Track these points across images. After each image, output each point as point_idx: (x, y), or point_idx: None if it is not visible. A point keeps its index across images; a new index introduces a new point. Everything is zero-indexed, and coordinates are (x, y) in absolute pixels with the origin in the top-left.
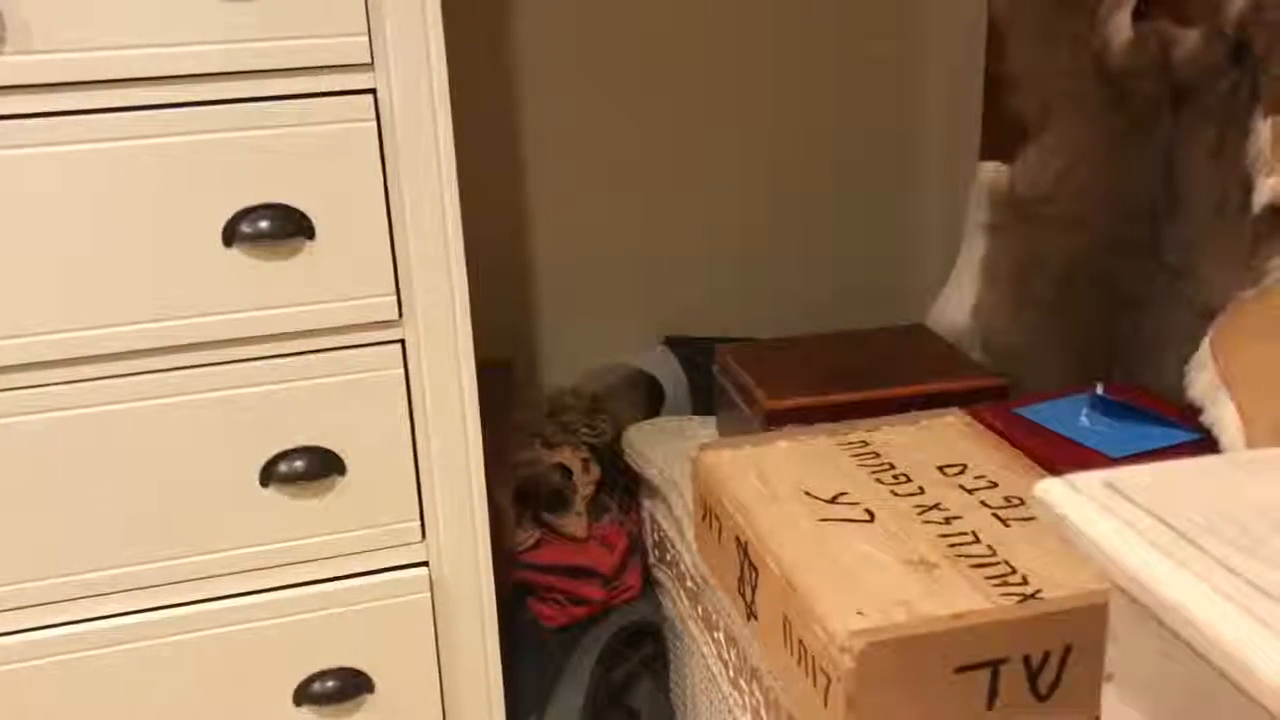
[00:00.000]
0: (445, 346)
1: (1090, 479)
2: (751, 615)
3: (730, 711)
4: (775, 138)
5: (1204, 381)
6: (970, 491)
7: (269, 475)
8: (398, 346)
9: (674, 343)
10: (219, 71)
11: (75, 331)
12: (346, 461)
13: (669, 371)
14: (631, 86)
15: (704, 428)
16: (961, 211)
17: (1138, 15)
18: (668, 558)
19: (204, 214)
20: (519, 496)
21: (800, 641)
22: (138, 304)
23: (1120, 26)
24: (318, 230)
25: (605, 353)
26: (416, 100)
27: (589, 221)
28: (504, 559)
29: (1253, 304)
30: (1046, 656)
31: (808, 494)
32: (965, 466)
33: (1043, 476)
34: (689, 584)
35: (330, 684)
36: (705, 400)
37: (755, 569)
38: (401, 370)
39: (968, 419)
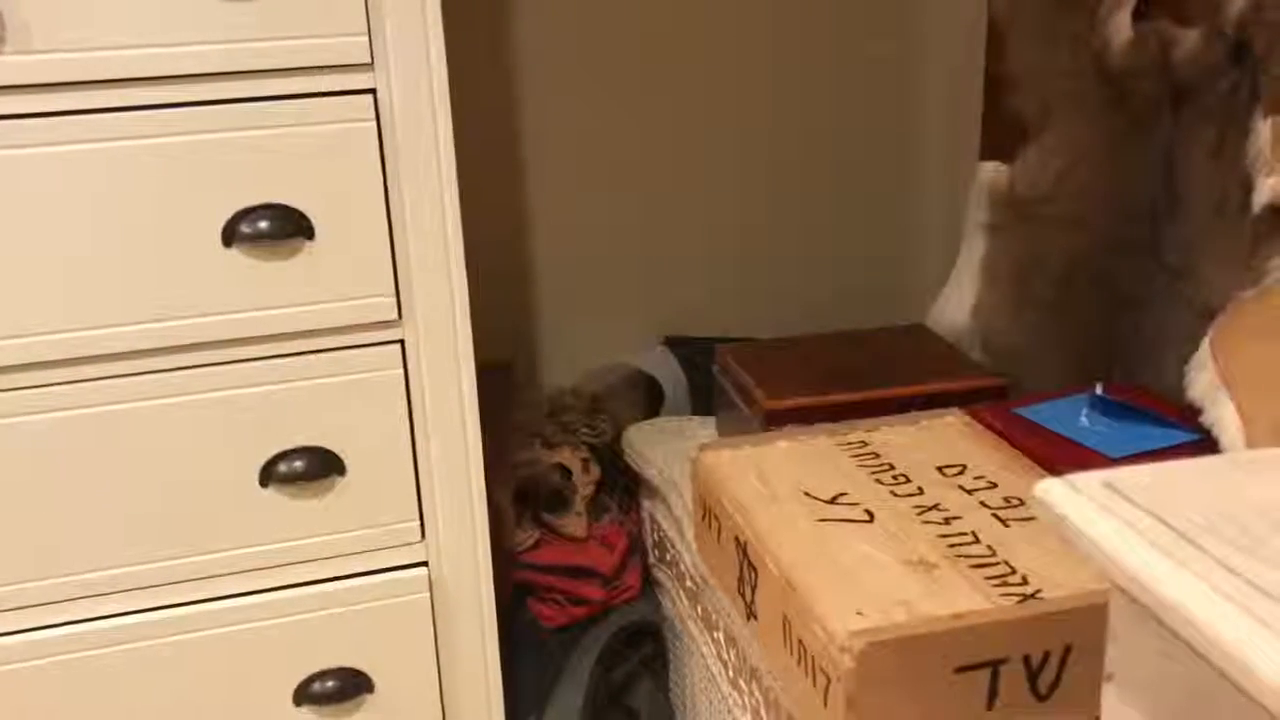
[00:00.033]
0: (445, 347)
1: (1090, 479)
2: (751, 615)
3: (730, 711)
4: (775, 138)
5: (1204, 381)
6: (970, 492)
7: (269, 475)
8: (397, 347)
9: (674, 343)
10: (219, 71)
11: (76, 331)
12: (346, 462)
13: (669, 371)
14: (631, 86)
15: (704, 428)
16: (961, 211)
17: (1138, 15)
18: (667, 558)
19: (204, 214)
20: (519, 497)
21: (800, 641)
22: (138, 304)
23: (1120, 26)
24: (317, 230)
25: (605, 353)
26: (416, 100)
27: (589, 221)
28: (504, 559)
29: (1253, 304)
30: (1046, 656)
31: (807, 494)
32: (965, 467)
33: (1042, 477)
34: (689, 584)
35: (330, 684)
36: (705, 400)
37: (755, 569)
38: (401, 370)
39: (967, 419)
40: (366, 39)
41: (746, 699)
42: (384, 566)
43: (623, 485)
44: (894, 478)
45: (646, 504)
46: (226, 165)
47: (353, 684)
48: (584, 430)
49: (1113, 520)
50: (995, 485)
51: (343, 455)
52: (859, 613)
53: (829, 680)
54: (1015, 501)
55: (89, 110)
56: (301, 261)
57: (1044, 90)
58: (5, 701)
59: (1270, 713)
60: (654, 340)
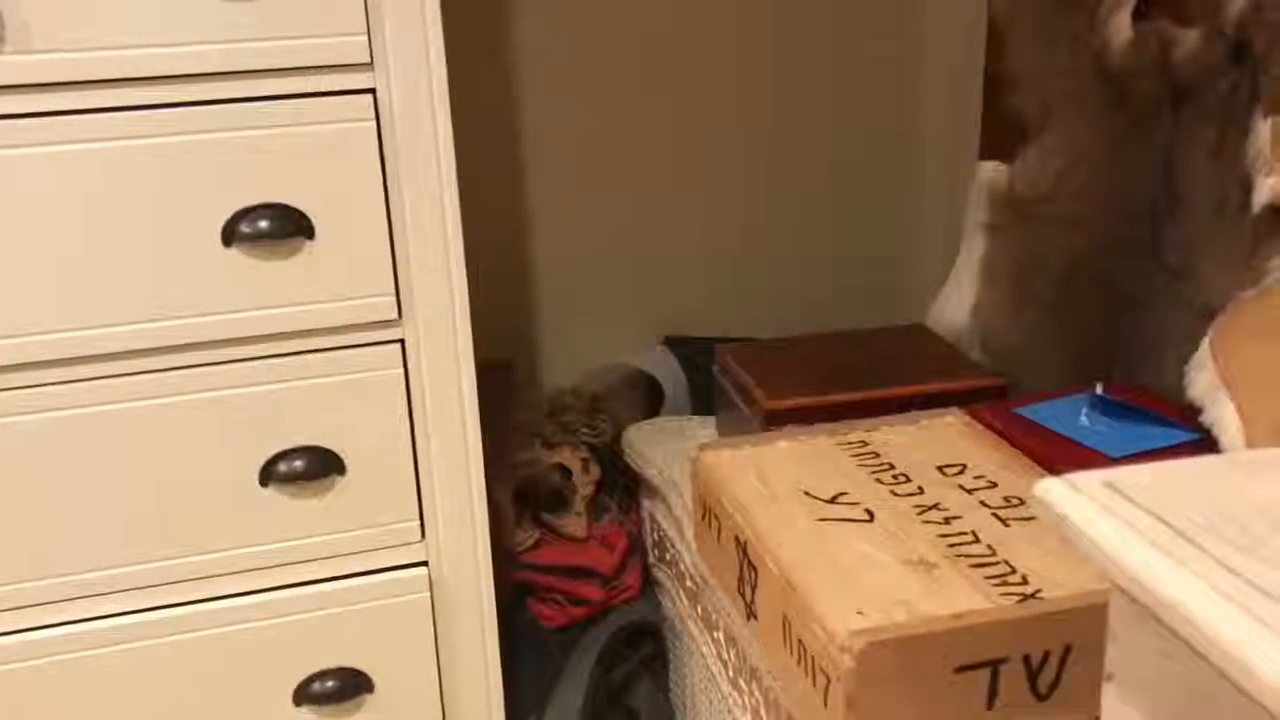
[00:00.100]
0: (445, 346)
1: (1090, 479)
2: (751, 615)
3: (730, 711)
4: (775, 138)
5: (1204, 381)
6: (970, 491)
7: (268, 475)
8: (397, 346)
9: (674, 343)
10: (219, 71)
11: (71, 331)
12: (346, 461)
13: (669, 371)
14: (631, 86)
15: (704, 428)
16: (961, 211)
17: (1138, 15)
18: (667, 557)
19: (203, 214)
20: (519, 496)
21: (800, 641)
22: (135, 304)
23: (1120, 26)
24: (317, 230)
25: (605, 353)
26: (416, 100)
27: (589, 221)
28: (504, 559)
29: (1253, 304)
30: (1046, 656)
31: (807, 494)
32: (965, 466)
33: (1042, 476)
34: (688, 584)
35: (330, 684)
36: (705, 400)
37: (755, 569)
38: (401, 370)
39: (967, 419)
40: (366, 39)
41: (746, 699)
42: (384, 566)
43: (623, 485)
44: (894, 477)
45: (646, 504)
46: (226, 165)
47: (352, 684)
48: (584, 430)
49: (1113, 520)
50: (995, 485)
51: (343, 455)
52: (859, 612)
53: (829, 680)
54: (1015, 501)
55: (87, 110)
56: (301, 261)
57: (1044, 90)
58: (3, 702)
59: (1270, 712)
60: (654, 340)
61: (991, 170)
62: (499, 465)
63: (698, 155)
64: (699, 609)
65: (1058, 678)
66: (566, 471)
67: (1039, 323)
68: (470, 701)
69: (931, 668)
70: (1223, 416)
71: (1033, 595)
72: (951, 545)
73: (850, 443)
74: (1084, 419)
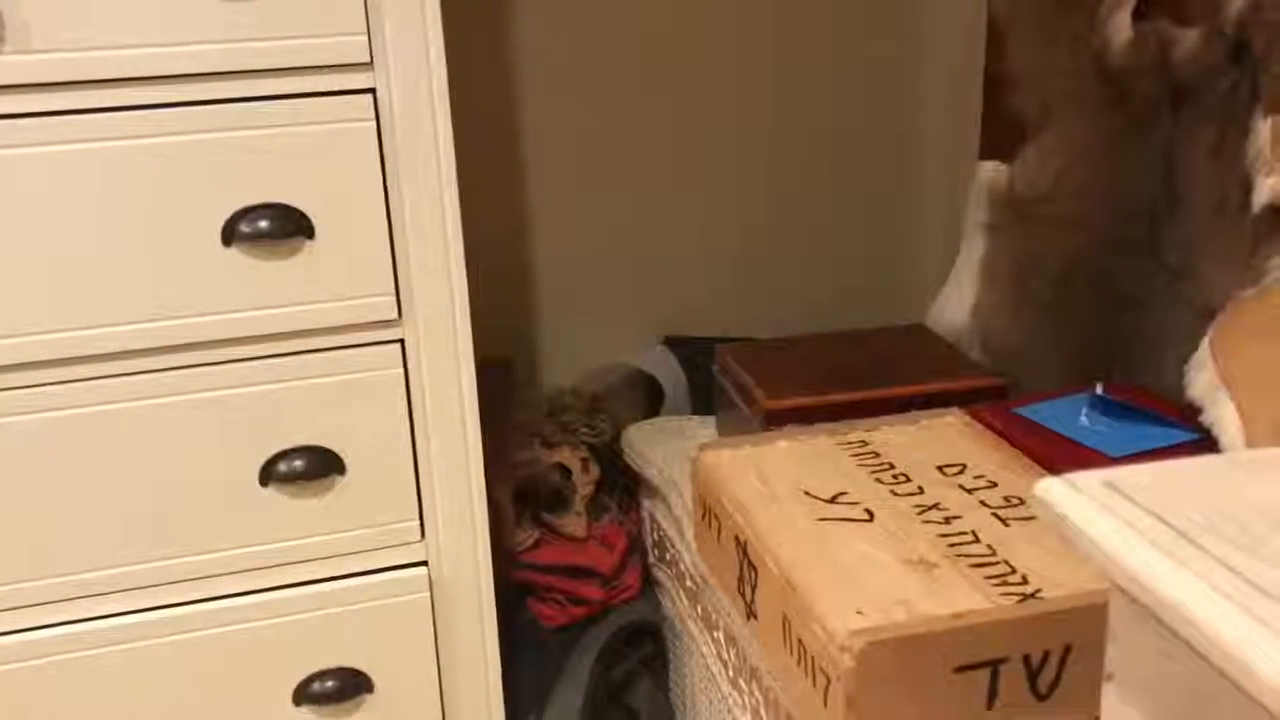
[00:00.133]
0: (445, 346)
1: (1090, 478)
2: (751, 615)
3: (730, 711)
4: (775, 138)
5: (1204, 381)
6: (970, 491)
7: (269, 475)
8: (397, 346)
9: (674, 343)
10: (218, 71)
11: (70, 331)
12: (346, 461)
13: (669, 371)
14: (631, 86)
15: (703, 428)
16: (961, 211)
17: (1138, 15)
18: (667, 557)
19: (202, 214)
20: (518, 496)
21: (800, 641)
22: (135, 304)
23: (1120, 26)
24: (317, 230)
25: (605, 353)
26: (416, 100)
27: (589, 221)
28: (503, 559)
29: (1253, 304)
30: (1046, 656)
31: (807, 494)
32: (965, 466)
33: (1042, 476)
34: (688, 583)
35: (330, 684)
36: (705, 400)
37: (754, 568)
38: (401, 370)
39: (967, 419)
40: (366, 38)
41: (746, 699)
42: (384, 566)
43: (622, 485)
44: (894, 477)
45: (646, 504)
46: (225, 165)
47: (352, 684)
48: (584, 430)
49: (1113, 519)
50: (995, 484)
51: (343, 455)
52: (859, 612)
53: (829, 680)
54: (1015, 501)
55: (86, 110)
56: (301, 261)
57: (1044, 90)
58: (3, 702)
59: (1270, 712)
60: (654, 340)
61: (991, 170)
62: (499, 465)
63: (698, 155)
64: (699, 609)
65: (1058, 678)
66: (566, 471)
67: (1039, 323)
68: (470, 701)
69: (931, 667)
70: (1223, 416)
71: (1033, 595)
72: (951, 545)
73: (850, 443)
74: (1084, 419)
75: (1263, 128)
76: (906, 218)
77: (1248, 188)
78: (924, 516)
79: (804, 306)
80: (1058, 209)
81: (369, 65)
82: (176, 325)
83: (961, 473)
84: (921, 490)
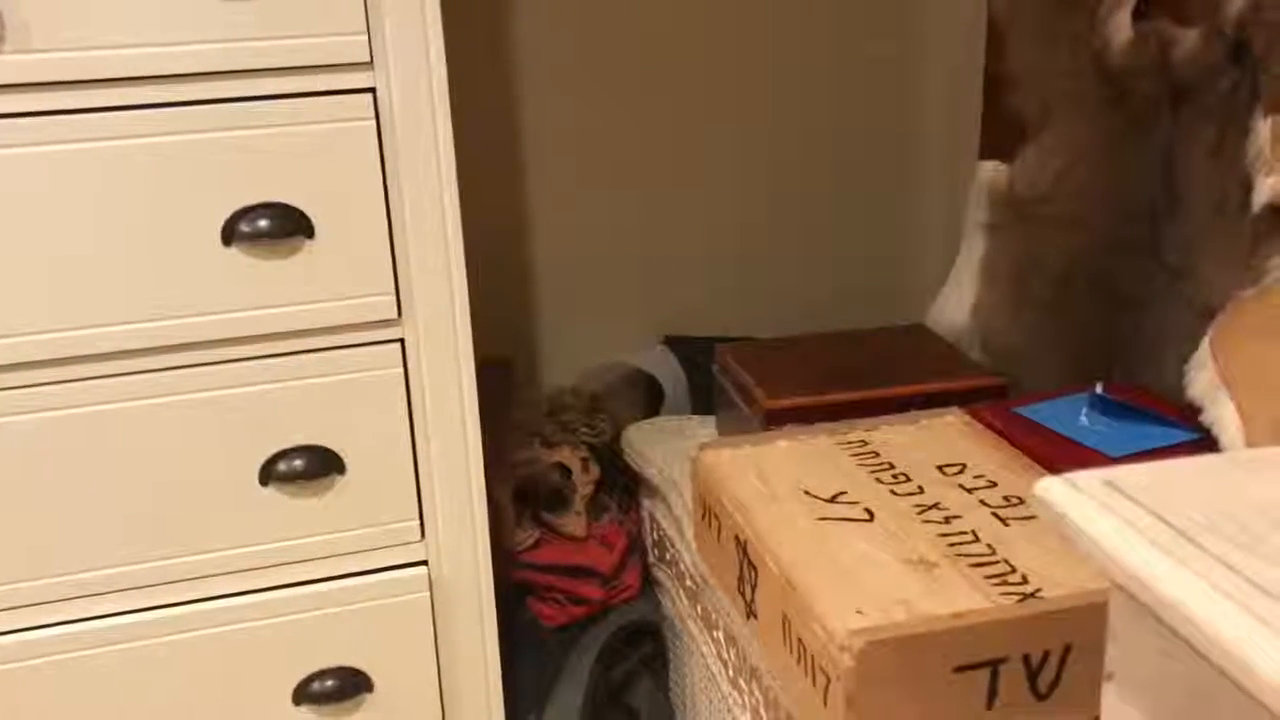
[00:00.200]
0: (445, 346)
1: (1090, 477)
2: (751, 614)
3: (730, 711)
4: (775, 138)
5: (1204, 381)
6: (970, 491)
7: (268, 474)
8: (397, 346)
9: (674, 342)
10: (218, 70)
11: (69, 331)
12: (346, 461)
13: (668, 371)
14: (631, 86)
15: (703, 427)
16: (961, 211)
17: (1138, 15)
18: (667, 557)
19: (202, 213)
20: (518, 496)
21: (799, 640)
22: (135, 303)
23: (1120, 26)
24: (317, 229)
25: (605, 352)
26: (416, 99)
27: (589, 221)
28: (503, 558)
29: (1253, 303)
30: (1046, 656)
31: (807, 493)
32: (964, 466)
33: (1042, 476)
34: (688, 583)
35: (329, 683)
36: (705, 400)
37: (754, 568)
38: (401, 369)
39: (967, 418)
40: (365, 38)
41: (746, 698)
42: (384, 565)
43: (622, 485)
44: (894, 477)
45: (646, 503)
46: (225, 164)
47: (352, 683)
48: (583, 429)
49: (1113, 519)
50: (995, 484)
51: (342, 454)
52: (859, 612)
53: (829, 679)
54: (1015, 500)
55: (85, 110)
56: (301, 260)
57: (1044, 90)
58: (0, 702)
59: (1270, 711)
60: (654, 340)
61: (991, 170)
62: (499, 465)
63: (698, 155)
64: (699, 608)
65: (1057, 677)
66: (566, 471)
67: (1039, 323)
68: (470, 700)
69: (931, 667)
70: (1222, 416)
71: (1032, 595)
72: (951, 545)
73: (850, 442)
74: (1084, 419)
75: (1263, 128)
76: (906, 218)
77: (1248, 187)
78: (924, 516)
79: (804, 306)
80: (1058, 209)
81: (369, 65)
82: (176, 325)
83: (961, 472)
84: (921, 490)
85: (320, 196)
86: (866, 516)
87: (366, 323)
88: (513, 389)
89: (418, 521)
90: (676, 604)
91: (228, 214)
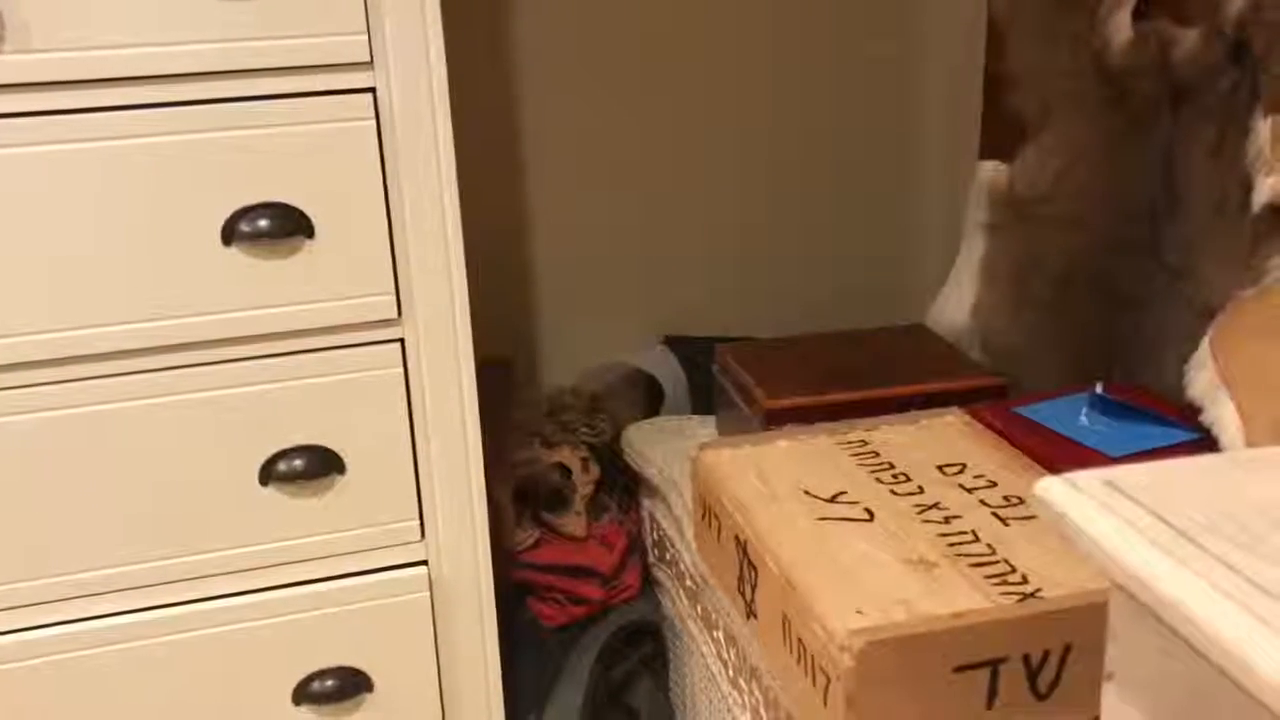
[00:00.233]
0: (445, 346)
1: (1090, 477)
2: (751, 614)
3: (730, 710)
4: (775, 138)
5: (1204, 381)
6: (970, 490)
7: (268, 474)
8: (397, 345)
9: (674, 342)
10: (218, 70)
11: (69, 331)
12: (346, 461)
13: (668, 371)
14: (631, 86)
15: (703, 427)
16: (961, 211)
17: (1138, 15)
18: (667, 557)
19: (202, 213)
20: (518, 496)
21: (799, 640)
22: (135, 303)
23: (1120, 26)
24: (317, 229)
25: (605, 352)
26: (416, 99)
27: (589, 221)
28: (503, 558)
29: (1253, 303)
30: (1046, 655)
31: (807, 493)
32: (964, 466)
33: (1042, 475)
34: (688, 583)
35: (329, 683)
36: (705, 400)
37: (754, 568)
38: (401, 369)
39: (967, 418)
40: (366, 38)
41: (746, 698)
42: (384, 565)
43: (622, 485)
44: (894, 477)
45: (646, 503)
46: (225, 164)
47: (352, 683)
48: (583, 429)
49: (1113, 518)
50: (995, 484)
51: (342, 454)
52: (859, 611)
53: (829, 679)
54: (1015, 500)
55: (85, 109)
56: (301, 260)
57: (1044, 90)
58: None
59: (1270, 710)
60: (654, 340)
61: (991, 170)
62: (499, 464)
63: (698, 155)
64: (699, 608)
65: (1057, 677)
66: (566, 471)
67: (1039, 323)
68: (470, 700)
69: (931, 667)
70: (1222, 416)
71: (1032, 594)
72: (951, 544)
73: (850, 442)
74: (1084, 419)
75: (1263, 127)
76: (906, 218)
77: (1248, 187)
78: (924, 516)
79: (804, 306)
80: (1058, 209)
81: (369, 64)
82: (176, 325)
83: (961, 472)
84: (921, 490)
85: (320, 196)
86: (866, 516)
87: (366, 322)
88: (513, 389)
89: (418, 521)
90: (676, 604)
91: (227, 214)
